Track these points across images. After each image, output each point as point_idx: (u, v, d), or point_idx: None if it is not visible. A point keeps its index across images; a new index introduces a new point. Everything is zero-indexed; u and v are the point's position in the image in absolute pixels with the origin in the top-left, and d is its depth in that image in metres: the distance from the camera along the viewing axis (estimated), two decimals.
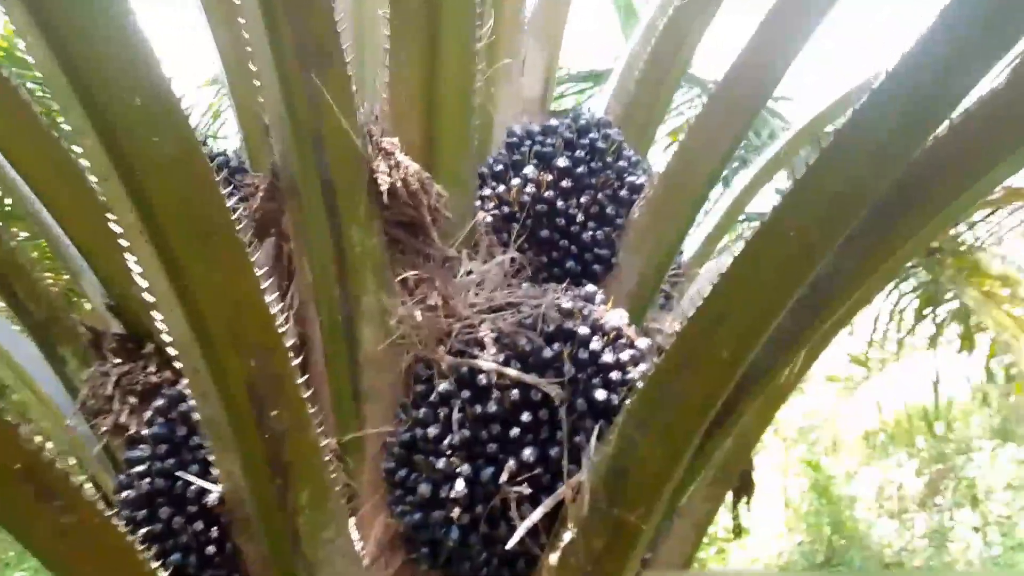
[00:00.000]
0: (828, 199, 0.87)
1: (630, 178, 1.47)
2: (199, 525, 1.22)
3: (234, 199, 0.93)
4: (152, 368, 1.39)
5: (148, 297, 1.00)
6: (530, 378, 1.17)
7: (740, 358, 1.01)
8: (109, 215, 0.93)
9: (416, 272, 1.26)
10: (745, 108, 1.38)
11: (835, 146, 0.85)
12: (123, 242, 0.95)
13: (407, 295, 1.27)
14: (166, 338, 1.06)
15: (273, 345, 1.03)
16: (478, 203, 1.45)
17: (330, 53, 1.12)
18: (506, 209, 1.42)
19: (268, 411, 1.07)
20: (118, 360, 1.43)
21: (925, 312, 4.25)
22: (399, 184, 1.19)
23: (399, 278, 1.26)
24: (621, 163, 1.47)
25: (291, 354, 1.06)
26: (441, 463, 1.19)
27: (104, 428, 1.31)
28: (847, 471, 7.72)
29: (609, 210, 1.43)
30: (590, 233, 1.41)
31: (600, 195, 1.44)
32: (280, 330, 1.03)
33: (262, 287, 0.99)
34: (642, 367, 1.25)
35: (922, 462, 7.61)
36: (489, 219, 1.42)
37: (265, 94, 1.20)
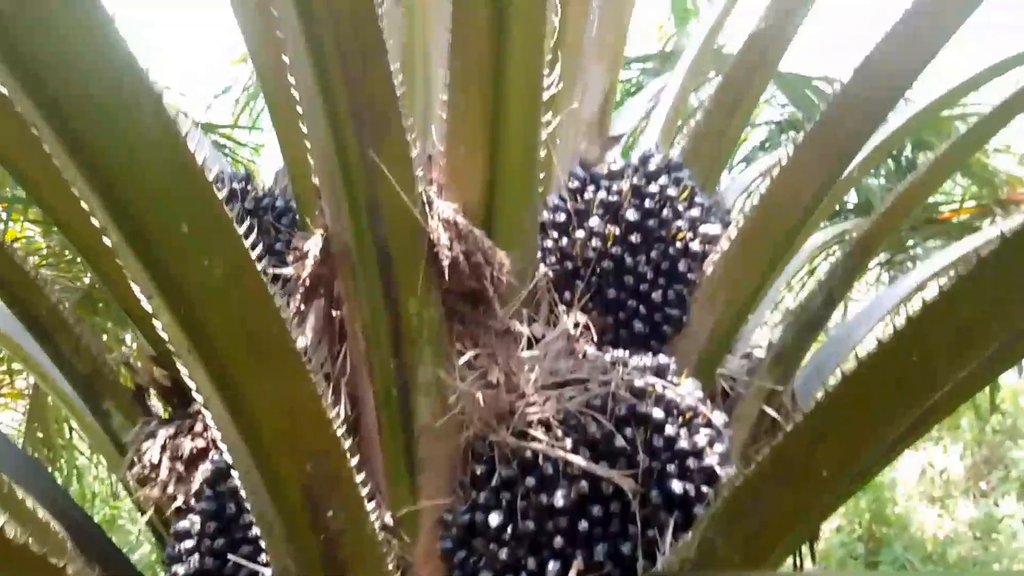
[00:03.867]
0: (958, 328, 0.76)
1: (703, 228, 1.36)
2: None
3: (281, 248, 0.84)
4: (199, 428, 1.34)
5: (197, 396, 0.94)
6: (602, 470, 1.08)
7: (840, 475, 0.91)
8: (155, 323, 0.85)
9: (476, 345, 1.18)
10: (840, 153, 1.25)
11: (965, 280, 0.73)
12: (170, 347, 0.88)
13: (467, 368, 1.18)
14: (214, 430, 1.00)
15: (330, 448, 0.96)
16: (539, 254, 1.35)
17: (388, 119, 1.02)
18: (569, 264, 1.32)
19: (323, 512, 1.00)
20: (163, 417, 1.37)
21: None
22: (461, 257, 1.09)
23: (458, 351, 1.18)
24: (693, 212, 1.36)
25: (349, 454, 0.98)
26: (504, 553, 1.12)
27: (152, 498, 1.26)
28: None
29: (681, 266, 1.33)
30: (660, 292, 1.31)
31: (671, 249, 1.33)
32: (337, 432, 0.96)
33: (318, 392, 0.91)
34: (719, 447, 1.16)
35: (967, 446, 7.43)
36: (551, 274, 1.33)
37: (316, 156, 1.11)
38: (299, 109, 1.09)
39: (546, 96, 1.18)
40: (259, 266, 0.78)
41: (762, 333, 2.09)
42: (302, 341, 0.87)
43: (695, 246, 1.34)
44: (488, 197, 1.22)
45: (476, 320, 1.18)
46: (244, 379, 0.84)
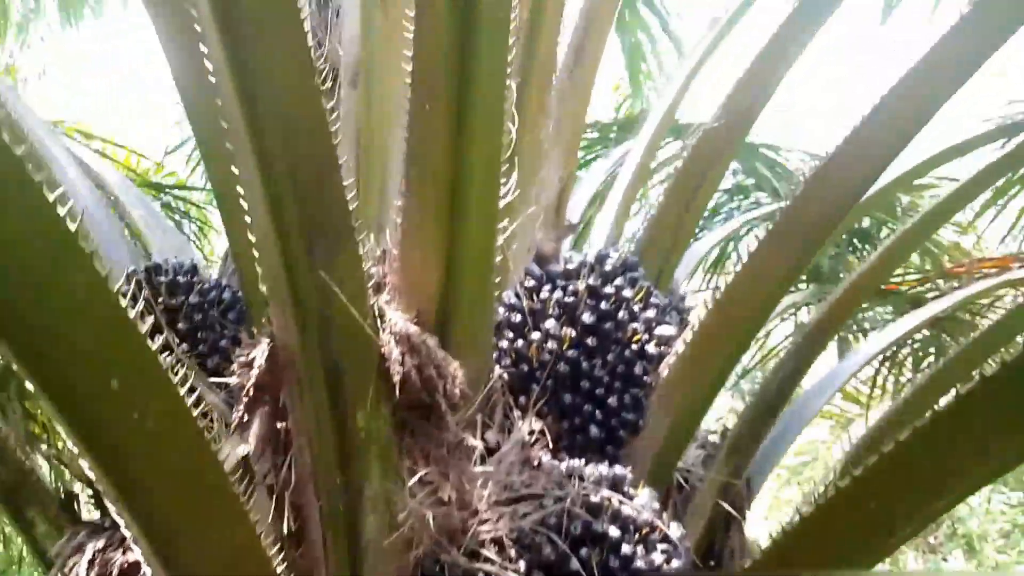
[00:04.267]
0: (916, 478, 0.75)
1: (659, 330, 1.35)
2: None
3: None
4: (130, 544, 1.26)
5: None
6: None
7: None
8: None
9: (427, 459, 1.13)
10: (802, 250, 1.25)
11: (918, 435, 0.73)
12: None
13: (417, 484, 1.14)
14: None
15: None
16: (493, 355, 1.32)
17: (341, 235, 0.99)
18: (525, 367, 1.30)
19: None
20: (94, 524, 1.29)
21: (924, 365, 4.20)
22: (412, 372, 1.06)
23: (409, 466, 1.13)
24: (649, 312, 1.35)
25: None
26: None
27: None
28: None
29: (637, 369, 1.31)
30: (616, 397, 1.29)
31: (627, 352, 1.31)
32: (278, 570, 0.90)
33: (258, 534, 0.86)
34: (675, 563, 1.13)
35: None
36: (506, 377, 1.30)
37: (263, 265, 1.07)
38: (247, 214, 1.06)
39: (503, 203, 1.17)
40: (196, 412, 0.74)
41: (717, 413, 2.09)
42: (241, 486, 0.82)
43: (651, 348, 1.33)
44: (443, 303, 1.19)
45: (427, 433, 1.14)
46: (178, 530, 0.78)
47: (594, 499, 1.12)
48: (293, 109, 0.90)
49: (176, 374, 0.73)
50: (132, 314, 0.68)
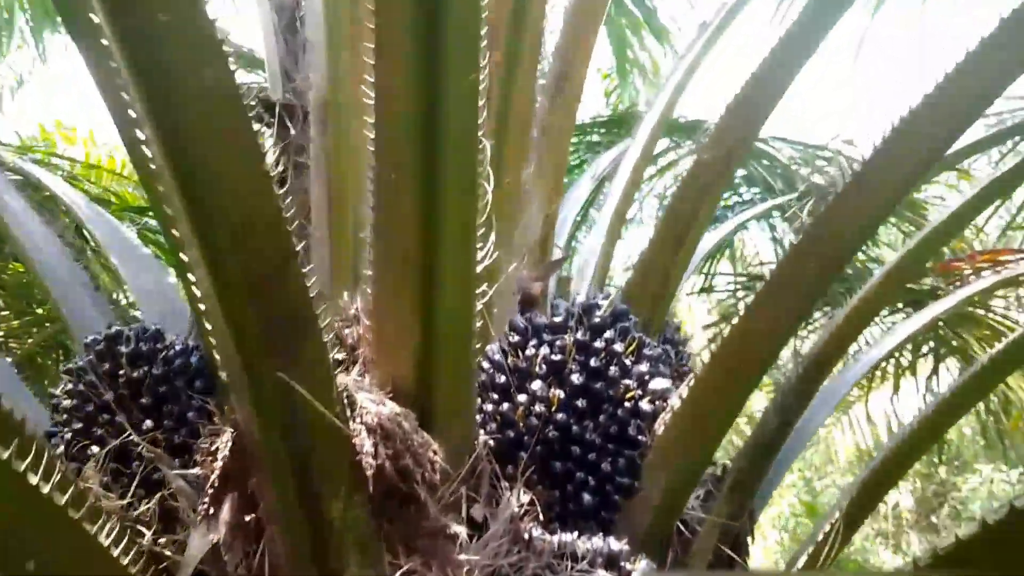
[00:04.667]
0: None
1: (653, 384, 1.28)
2: None
3: None
4: None
5: None
6: None
7: None
8: None
9: (408, 547, 1.06)
10: (801, 304, 1.18)
11: None
12: None
13: (398, 574, 1.07)
14: None
15: None
16: (478, 415, 1.25)
17: (303, 327, 0.92)
18: (511, 433, 1.22)
19: None
20: None
21: (924, 351, 4.15)
22: (387, 464, 0.98)
23: (389, 558, 1.06)
24: (642, 367, 1.28)
25: None
26: None
27: None
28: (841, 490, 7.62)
29: (631, 430, 1.24)
30: (610, 462, 1.22)
31: (620, 411, 1.24)
32: None
33: None
34: None
35: (919, 483, 7.54)
36: (491, 443, 1.22)
37: (221, 356, 1.00)
38: (200, 302, 0.98)
39: (481, 267, 1.10)
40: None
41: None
42: None
43: (645, 405, 1.25)
44: (422, 371, 1.11)
45: (407, 520, 1.07)
46: None
47: None
48: (244, 210, 0.82)
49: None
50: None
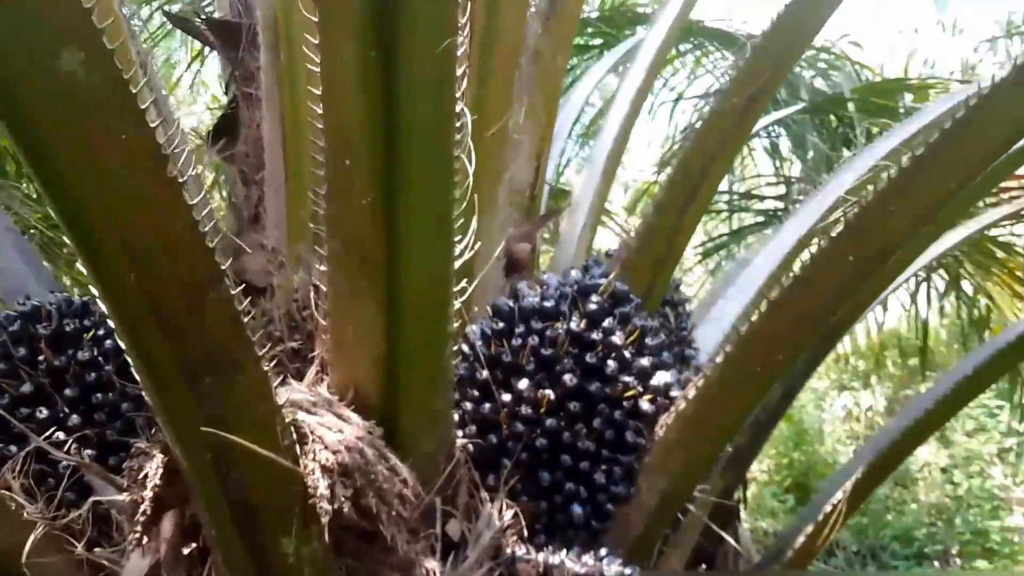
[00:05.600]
0: None
1: (656, 379, 1.12)
2: None
3: None
4: None
5: None
6: None
7: None
8: None
9: None
10: (821, 314, 1.02)
11: None
12: None
13: None
14: None
15: None
16: (455, 415, 1.10)
17: (236, 360, 0.74)
18: (494, 438, 1.07)
19: None
20: None
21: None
22: (346, 506, 0.83)
23: None
24: (643, 361, 1.12)
25: None
26: None
27: None
28: (818, 395, 7.72)
29: (629, 436, 1.09)
30: (604, 471, 1.08)
31: (617, 413, 1.09)
32: None
33: None
34: None
35: (894, 388, 7.64)
36: (470, 448, 1.08)
37: (144, 388, 0.82)
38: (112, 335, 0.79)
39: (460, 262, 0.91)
40: None
41: None
42: None
43: (645, 405, 1.10)
44: (388, 379, 0.95)
45: (371, 555, 0.93)
46: None
47: None
48: (143, 230, 0.62)
49: None
50: None
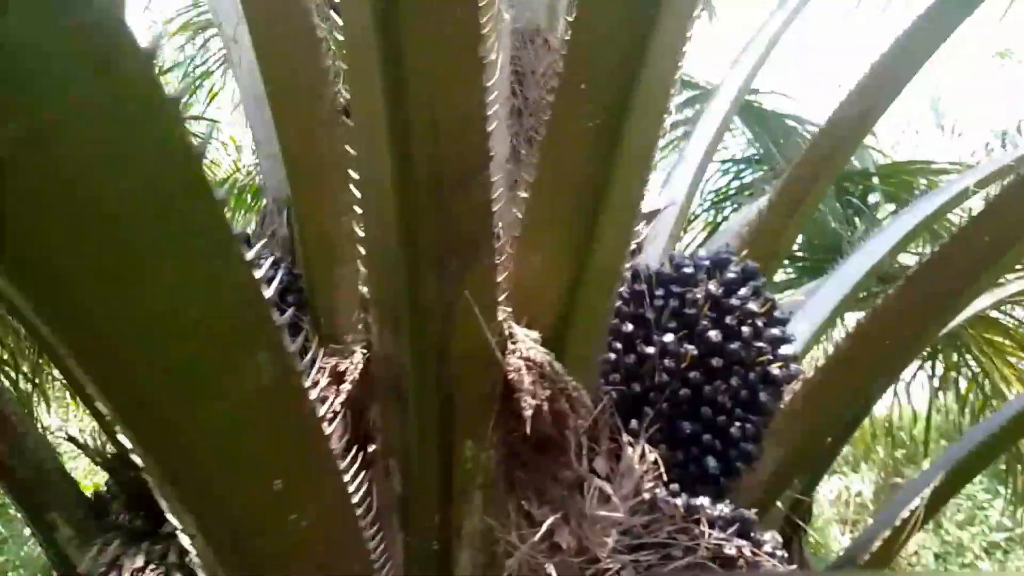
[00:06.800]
0: None
1: (784, 350, 1.20)
2: None
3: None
4: (174, 557, 1.09)
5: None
6: None
7: None
8: None
9: (541, 497, 0.98)
10: (951, 293, 1.10)
11: None
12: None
13: (525, 523, 0.98)
14: None
15: None
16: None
17: (478, 246, 0.81)
18: (637, 387, 1.14)
19: None
20: (125, 536, 1.12)
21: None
22: (544, 405, 0.89)
23: (518, 503, 0.98)
24: (774, 331, 1.20)
25: None
26: None
27: None
28: None
29: (763, 396, 1.16)
30: (739, 426, 1.14)
31: (751, 375, 1.16)
32: None
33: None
34: None
35: (883, 474, 7.69)
36: (614, 396, 1.14)
37: (372, 273, 0.88)
38: (359, 206, 0.86)
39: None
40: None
41: None
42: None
43: (776, 371, 1.18)
44: (561, 313, 1.01)
45: (542, 468, 0.98)
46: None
47: (728, 550, 0.98)
48: (448, 103, 0.70)
49: None
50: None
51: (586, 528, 0.97)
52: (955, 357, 3.95)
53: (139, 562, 1.06)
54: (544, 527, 0.95)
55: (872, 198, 4.08)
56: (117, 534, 1.12)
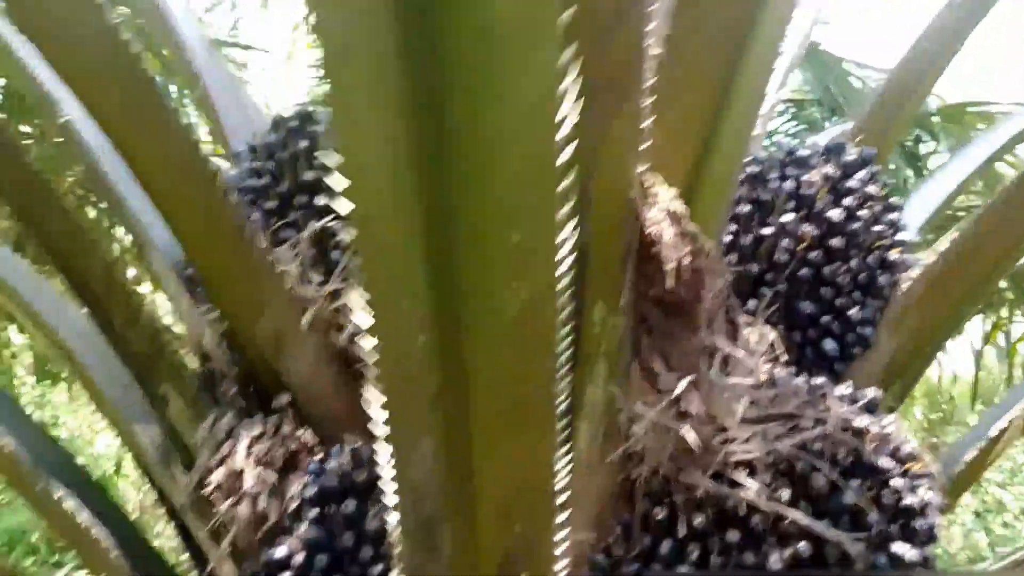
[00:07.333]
0: None
1: (901, 235, 1.16)
2: None
3: None
4: (288, 429, 1.09)
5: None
6: (831, 532, 0.89)
7: None
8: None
9: (667, 364, 0.96)
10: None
11: None
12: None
13: (649, 391, 0.97)
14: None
15: (547, 515, 0.74)
16: None
17: (627, 91, 0.78)
18: (754, 267, 1.11)
19: None
20: (238, 411, 1.12)
21: None
22: (685, 262, 0.87)
23: (644, 370, 0.96)
24: (892, 215, 1.16)
25: (558, 512, 0.77)
26: None
27: (243, 517, 1.01)
28: None
29: (882, 279, 1.13)
30: (858, 309, 1.12)
31: (870, 259, 1.13)
32: (558, 500, 0.74)
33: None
34: (936, 502, 0.99)
35: (920, 435, 7.62)
36: (729, 276, 1.11)
37: None
38: None
39: None
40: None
41: None
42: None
43: (894, 256, 1.14)
44: (689, 188, 0.98)
45: (670, 333, 0.96)
46: (489, 445, 0.61)
47: (859, 423, 0.96)
48: None
49: None
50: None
51: (715, 395, 0.95)
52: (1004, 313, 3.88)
53: (256, 431, 1.07)
54: (676, 391, 0.93)
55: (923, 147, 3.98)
56: (227, 409, 1.12)
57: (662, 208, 0.86)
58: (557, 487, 0.73)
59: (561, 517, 0.78)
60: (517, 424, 0.62)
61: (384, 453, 0.70)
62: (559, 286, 0.55)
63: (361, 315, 0.54)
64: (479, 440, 0.61)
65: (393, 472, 0.71)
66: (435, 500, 0.70)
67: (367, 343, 0.58)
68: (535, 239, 0.51)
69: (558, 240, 0.52)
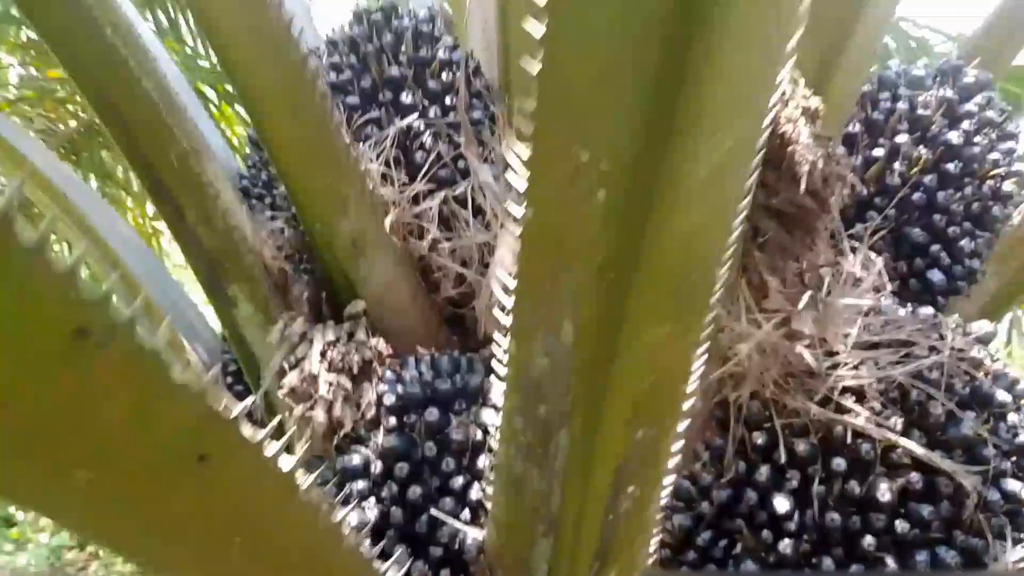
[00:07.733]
0: None
1: (1016, 166, 1.09)
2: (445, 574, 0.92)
3: None
4: (362, 336, 1.05)
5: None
6: (947, 463, 0.84)
7: None
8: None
9: (780, 280, 0.91)
10: None
11: None
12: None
13: (759, 310, 0.92)
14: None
15: (673, 419, 0.69)
16: None
17: None
18: (864, 191, 1.05)
19: (623, 491, 0.74)
20: (310, 317, 1.08)
21: None
22: (817, 165, 0.80)
23: (753, 287, 0.91)
24: (1009, 143, 1.09)
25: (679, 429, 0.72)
26: (786, 545, 0.89)
27: (318, 423, 0.97)
28: None
29: (995, 210, 1.06)
30: (969, 239, 1.05)
31: (984, 187, 1.06)
32: (686, 404, 0.69)
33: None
34: None
35: None
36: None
37: None
38: None
39: None
40: None
41: None
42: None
43: (1009, 186, 1.08)
44: (818, 85, 0.91)
45: (785, 248, 0.90)
46: (638, 330, 0.56)
47: (975, 354, 0.91)
48: None
49: None
50: None
51: (828, 317, 0.90)
52: None
53: (330, 336, 1.03)
54: (790, 311, 0.88)
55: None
56: (298, 314, 1.08)
57: (797, 104, 0.80)
58: (688, 389, 0.68)
59: (681, 426, 0.74)
60: (673, 308, 0.57)
61: (505, 347, 0.65)
62: (758, 142, 0.49)
63: (517, 165, 0.48)
64: (630, 325, 0.56)
65: (512, 370, 0.66)
66: (560, 399, 0.65)
67: (516, 209, 0.52)
68: (766, 73, 0.46)
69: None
